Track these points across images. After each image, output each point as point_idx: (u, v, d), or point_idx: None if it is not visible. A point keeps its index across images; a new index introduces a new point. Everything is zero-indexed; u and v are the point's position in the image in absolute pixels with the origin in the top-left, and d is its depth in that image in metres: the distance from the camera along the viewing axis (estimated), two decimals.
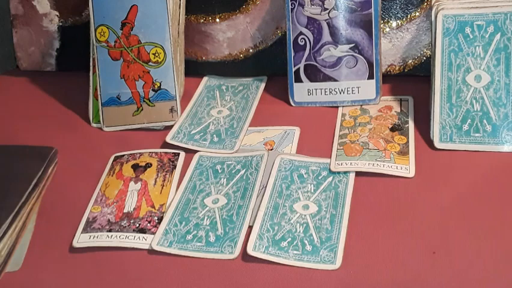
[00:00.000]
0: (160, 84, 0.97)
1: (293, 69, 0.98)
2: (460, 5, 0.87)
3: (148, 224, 0.80)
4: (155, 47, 0.96)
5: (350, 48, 0.95)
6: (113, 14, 0.96)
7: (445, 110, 0.87)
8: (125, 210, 0.82)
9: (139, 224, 0.80)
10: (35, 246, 0.79)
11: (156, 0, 0.95)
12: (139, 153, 0.92)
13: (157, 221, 0.80)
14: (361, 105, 0.96)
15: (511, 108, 0.85)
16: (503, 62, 0.85)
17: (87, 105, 1.00)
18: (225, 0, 1.03)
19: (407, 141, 0.87)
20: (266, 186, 0.83)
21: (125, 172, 0.88)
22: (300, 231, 0.76)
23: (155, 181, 0.87)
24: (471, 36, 0.86)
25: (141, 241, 0.78)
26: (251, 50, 1.05)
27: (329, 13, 0.95)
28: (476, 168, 0.83)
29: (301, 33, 0.96)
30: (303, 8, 0.96)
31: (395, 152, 0.86)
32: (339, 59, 0.96)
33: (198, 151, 0.91)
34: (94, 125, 0.99)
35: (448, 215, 0.77)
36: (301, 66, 0.97)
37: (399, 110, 0.94)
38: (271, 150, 0.90)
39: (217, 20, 1.04)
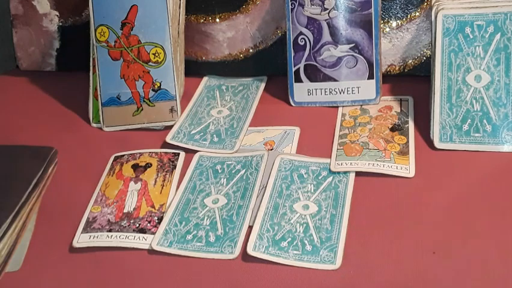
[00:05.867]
0: (160, 84, 0.97)
1: (293, 69, 0.98)
2: (460, 5, 0.87)
3: (148, 224, 0.80)
4: (155, 47, 0.96)
5: (350, 48, 0.95)
6: (113, 14, 0.96)
7: (445, 110, 0.87)
8: (125, 210, 0.82)
9: (139, 224, 0.80)
10: (35, 246, 0.79)
11: (156, 0, 0.95)
12: (139, 153, 0.92)
13: (157, 221, 0.80)
14: (361, 105, 0.96)
15: (511, 108, 0.85)
16: (503, 62, 0.85)
17: (87, 105, 1.00)
18: (225, 0, 1.03)
19: (407, 141, 0.87)
20: (266, 186, 0.83)
21: (125, 172, 0.88)
22: (300, 231, 0.76)
23: (155, 181, 0.87)
24: (471, 36, 0.86)
25: (141, 241, 0.78)
26: (251, 50, 1.05)
27: (329, 13, 0.95)
28: (476, 168, 0.83)
29: (301, 33, 0.96)
30: (303, 8, 0.96)
31: (395, 152, 0.86)
32: (339, 59, 0.96)
33: (198, 151, 0.91)
34: (94, 125, 0.99)
35: (448, 215, 0.77)
36: (301, 66, 0.97)
37: (399, 110, 0.94)
38: (271, 150, 0.90)
39: (217, 20, 1.04)
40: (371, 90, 0.96)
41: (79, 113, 1.02)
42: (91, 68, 1.00)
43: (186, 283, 0.73)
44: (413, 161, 0.84)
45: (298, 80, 0.98)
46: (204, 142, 0.92)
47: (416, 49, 0.99)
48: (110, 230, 0.79)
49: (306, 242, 0.75)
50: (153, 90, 0.97)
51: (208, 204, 0.82)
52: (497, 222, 0.75)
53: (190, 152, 0.91)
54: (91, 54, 0.99)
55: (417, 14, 0.98)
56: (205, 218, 0.80)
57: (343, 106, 0.97)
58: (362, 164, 0.84)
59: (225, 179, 0.85)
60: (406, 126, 0.91)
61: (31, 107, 1.06)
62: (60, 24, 1.11)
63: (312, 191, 0.82)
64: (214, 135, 0.93)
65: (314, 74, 0.97)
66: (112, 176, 0.88)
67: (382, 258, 0.72)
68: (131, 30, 0.96)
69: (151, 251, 0.77)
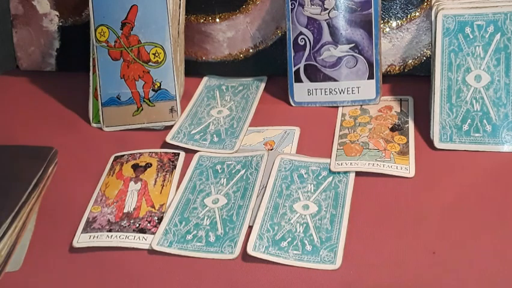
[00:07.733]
0: (160, 84, 0.97)
1: (293, 69, 0.98)
2: (460, 5, 0.87)
3: (148, 224, 0.80)
4: (155, 47, 0.96)
5: (350, 48, 0.95)
6: (113, 14, 0.96)
7: (445, 110, 0.87)
8: (125, 210, 0.82)
9: (139, 224, 0.80)
10: (35, 246, 0.79)
11: (156, 0, 0.95)
12: (139, 153, 0.92)
13: (157, 221, 0.80)
14: (361, 105, 0.96)
15: (511, 108, 0.85)
16: (503, 62, 0.85)
17: (87, 105, 1.00)
18: (225, 0, 1.03)
19: (407, 141, 0.87)
20: (266, 186, 0.83)
21: (125, 172, 0.88)
22: (300, 231, 0.76)
23: (155, 181, 0.87)
24: (471, 36, 0.86)
25: (141, 241, 0.78)
26: (251, 50, 1.05)
27: (329, 13, 0.95)
28: (476, 168, 0.83)
29: (301, 33, 0.96)
30: (303, 8, 0.96)
31: (395, 152, 0.86)
32: (339, 59, 0.96)
33: (198, 151, 0.91)
34: (94, 125, 0.99)
35: (448, 215, 0.77)
36: (301, 66, 0.97)
37: (399, 110, 0.94)
38: (271, 150, 0.90)
39: (217, 20, 1.04)
40: (371, 90, 0.96)
41: (79, 113, 1.02)
42: (91, 68, 1.00)
43: (186, 283, 0.73)
44: (413, 161, 0.84)
45: (298, 80, 0.98)
46: (204, 142, 0.92)
47: (416, 49, 0.99)
48: (110, 230, 0.79)
49: (306, 242, 0.75)
50: (153, 90, 0.97)
51: (208, 204, 0.82)
52: (497, 222, 0.75)
53: (190, 152, 0.91)
54: (91, 54, 0.99)
55: (417, 14, 0.98)
56: (205, 218, 0.80)
57: (343, 106, 0.97)
58: (362, 164, 0.84)
59: (225, 179, 0.85)
60: (406, 126, 0.91)
61: (31, 107, 1.06)
62: (60, 24, 1.11)
63: (312, 191, 0.82)
64: (214, 135, 0.93)
65: (314, 74, 0.97)
66: (112, 176, 0.88)
67: (382, 258, 0.72)
68: (131, 30, 0.96)
69: (151, 251, 0.77)
